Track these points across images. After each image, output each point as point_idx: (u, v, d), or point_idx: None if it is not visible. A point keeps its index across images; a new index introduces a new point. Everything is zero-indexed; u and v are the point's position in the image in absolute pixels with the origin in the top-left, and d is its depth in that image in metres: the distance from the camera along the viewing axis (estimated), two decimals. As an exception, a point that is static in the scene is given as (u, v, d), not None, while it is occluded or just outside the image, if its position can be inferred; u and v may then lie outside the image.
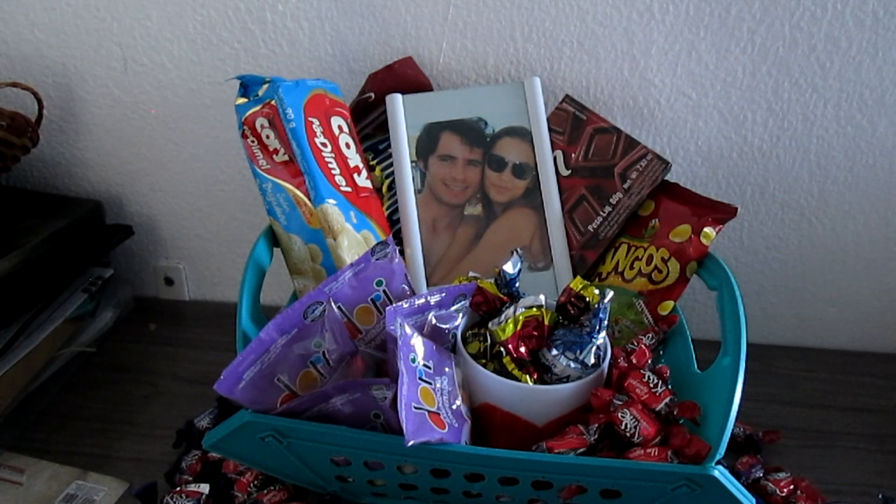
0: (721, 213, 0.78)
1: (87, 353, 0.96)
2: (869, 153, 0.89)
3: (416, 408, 0.60)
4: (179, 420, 0.85)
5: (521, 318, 0.68)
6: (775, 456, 0.83)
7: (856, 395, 0.94)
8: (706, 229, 0.77)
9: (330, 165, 0.79)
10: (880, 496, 0.76)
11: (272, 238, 0.81)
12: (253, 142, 0.79)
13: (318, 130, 0.80)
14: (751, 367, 0.66)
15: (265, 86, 0.79)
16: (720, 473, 0.59)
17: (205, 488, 0.73)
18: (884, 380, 0.96)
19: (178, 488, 0.73)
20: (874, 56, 0.84)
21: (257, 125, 0.78)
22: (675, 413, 0.66)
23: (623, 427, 0.63)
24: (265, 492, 0.74)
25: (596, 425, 0.64)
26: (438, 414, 0.62)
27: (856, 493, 0.78)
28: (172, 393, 0.91)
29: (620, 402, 0.65)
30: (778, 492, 0.75)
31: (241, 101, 0.79)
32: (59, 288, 0.95)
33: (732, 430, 0.63)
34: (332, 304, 0.69)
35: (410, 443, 0.57)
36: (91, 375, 0.94)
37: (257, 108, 0.78)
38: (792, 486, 0.76)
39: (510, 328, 0.67)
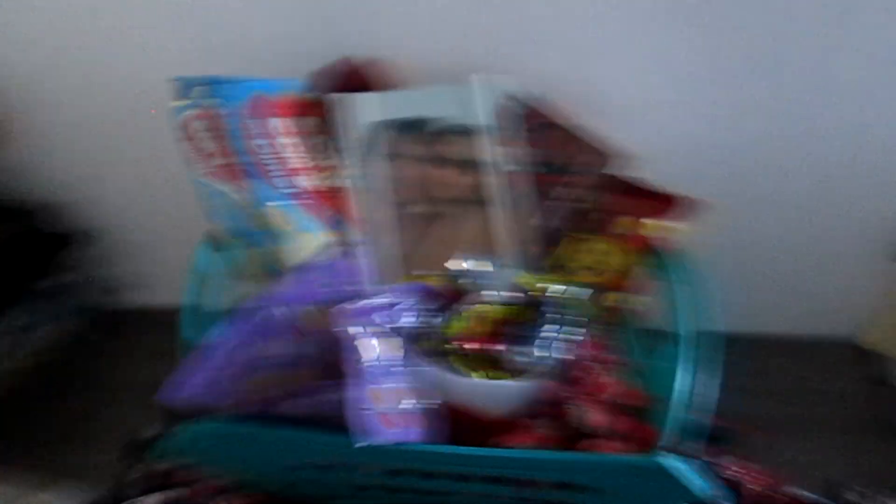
0: (667, 204, 0.79)
1: (29, 366, 0.93)
2: (820, 141, 0.90)
3: (366, 409, 0.60)
4: (127, 431, 0.82)
5: (471, 314, 0.68)
6: (738, 445, 0.84)
7: (802, 379, 0.96)
8: (653, 220, 0.78)
9: (273, 167, 0.78)
10: (836, 479, 0.78)
11: (216, 243, 0.80)
12: (192, 145, 0.77)
13: (260, 132, 0.79)
14: (709, 358, 0.68)
15: (204, 87, 0.78)
16: (667, 460, 0.60)
17: (156, 499, 0.72)
18: (828, 363, 0.99)
19: (127, 500, 0.72)
20: (834, 44, 0.84)
21: (196, 127, 0.76)
22: (625, 403, 0.67)
23: (574, 418, 0.64)
24: (218, 499, 0.73)
25: (548, 418, 0.65)
26: (390, 414, 0.62)
27: (816, 477, 0.79)
28: (121, 403, 0.89)
29: (571, 394, 0.65)
30: (727, 475, 0.76)
31: (180, 102, 0.77)
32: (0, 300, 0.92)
33: (695, 420, 0.64)
34: (280, 307, 0.68)
35: (362, 443, 0.57)
36: (38, 388, 0.91)
37: (196, 109, 0.77)
38: (753, 474, 0.77)
39: (461, 325, 0.68)
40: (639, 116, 0.90)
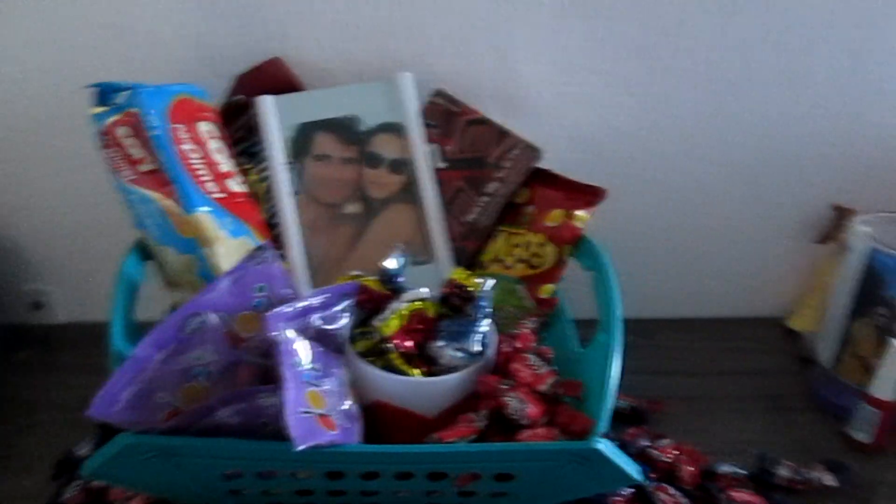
0: (592, 195, 0.81)
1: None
2: (724, 130, 0.94)
3: (303, 412, 0.59)
4: (58, 451, 0.80)
5: (405, 312, 0.69)
6: (660, 425, 0.86)
7: (730, 359, 0.99)
8: (578, 212, 0.79)
9: (200, 172, 0.77)
10: (754, 452, 0.80)
11: (143, 251, 0.78)
12: (115, 152, 0.75)
13: (185, 136, 0.77)
14: (633, 342, 0.69)
15: (124, 93, 0.76)
16: (604, 446, 0.61)
17: (90, 518, 0.70)
18: (756, 343, 1.02)
19: (60, 521, 0.70)
20: (722, 37, 0.88)
21: (118, 134, 0.75)
22: (559, 392, 0.68)
23: (510, 410, 0.64)
24: (155, 515, 0.71)
25: (484, 411, 0.65)
26: (328, 416, 0.62)
27: (734, 451, 0.82)
28: (49, 423, 0.86)
29: (506, 387, 0.66)
30: (663, 457, 0.78)
31: (99, 109, 0.75)
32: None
33: (618, 403, 0.65)
34: (211, 313, 0.67)
35: (299, 447, 0.57)
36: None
37: (117, 116, 0.75)
38: (675, 452, 0.79)
39: (395, 323, 0.68)
40: (550, 110, 0.92)
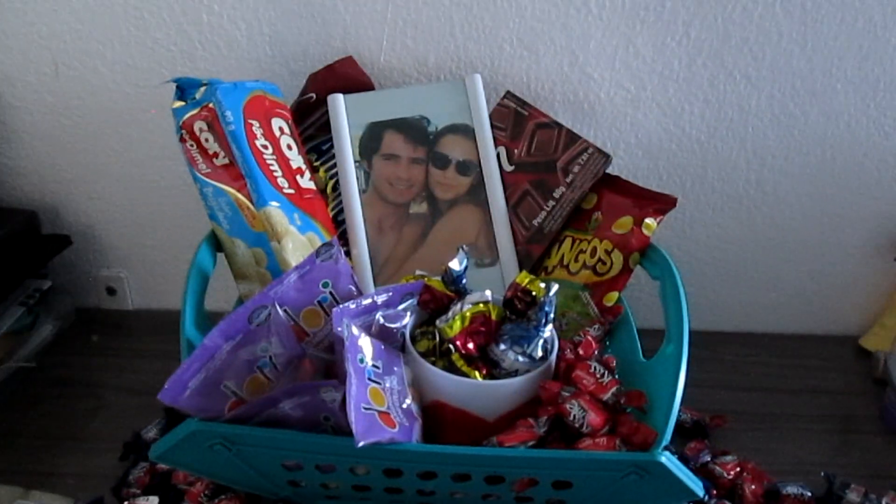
0: (661, 203, 0.79)
1: (27, 369, 0.93)
2: (802, 141, 0.92)
3: (365, 408, 0.60)
4: (126, 432, 0.83)
5: (468, 314, 0.68)
6: (722, 440, 0.84)
7: (798, 377, 0.96)
8: (647, 220, 0.78)
9: (272, 167, 0.78)
10: (823, 474, 0.78)
11: (215, 243, 0.80)
12: (192, 145, 0.77)
13: (259, 132, 0.79)
14: (696, 354, 0.68)
15: (203, 88, 0.78)
16: (667, 459, 0.60)
17: (154, 500, 0.72)
18: (824, 361, 0.99)
19: (126, 502, 0.72)
20: (803, 46, 0.86)
21: (196, 128, 0.77)
22: (622, 402, 0.67)
23: (571, 418, 0.64)
24: (216, 501, 0.73)
25: (545, 417, 0.65)
26: (388, 413, 0.62)
27: (800, 472, 0.80)
28: (118, 405, 0.89)
29: (568, 394, 0.65)
30: (725, 474, 0.76)
31: (178, 104, 0.78)
32: (-4, 302, 0.92)
33: (680, 416, 0.64)
34: (278, 307, 0.68)
35: (361, 443, 0.57)
36: (32, 391, 0.91)
37: (195, 111, 0.77)
38: (738, 469, 0.77)
39: (458, 325, 0.68)
40: (620, 115, 0.91)
